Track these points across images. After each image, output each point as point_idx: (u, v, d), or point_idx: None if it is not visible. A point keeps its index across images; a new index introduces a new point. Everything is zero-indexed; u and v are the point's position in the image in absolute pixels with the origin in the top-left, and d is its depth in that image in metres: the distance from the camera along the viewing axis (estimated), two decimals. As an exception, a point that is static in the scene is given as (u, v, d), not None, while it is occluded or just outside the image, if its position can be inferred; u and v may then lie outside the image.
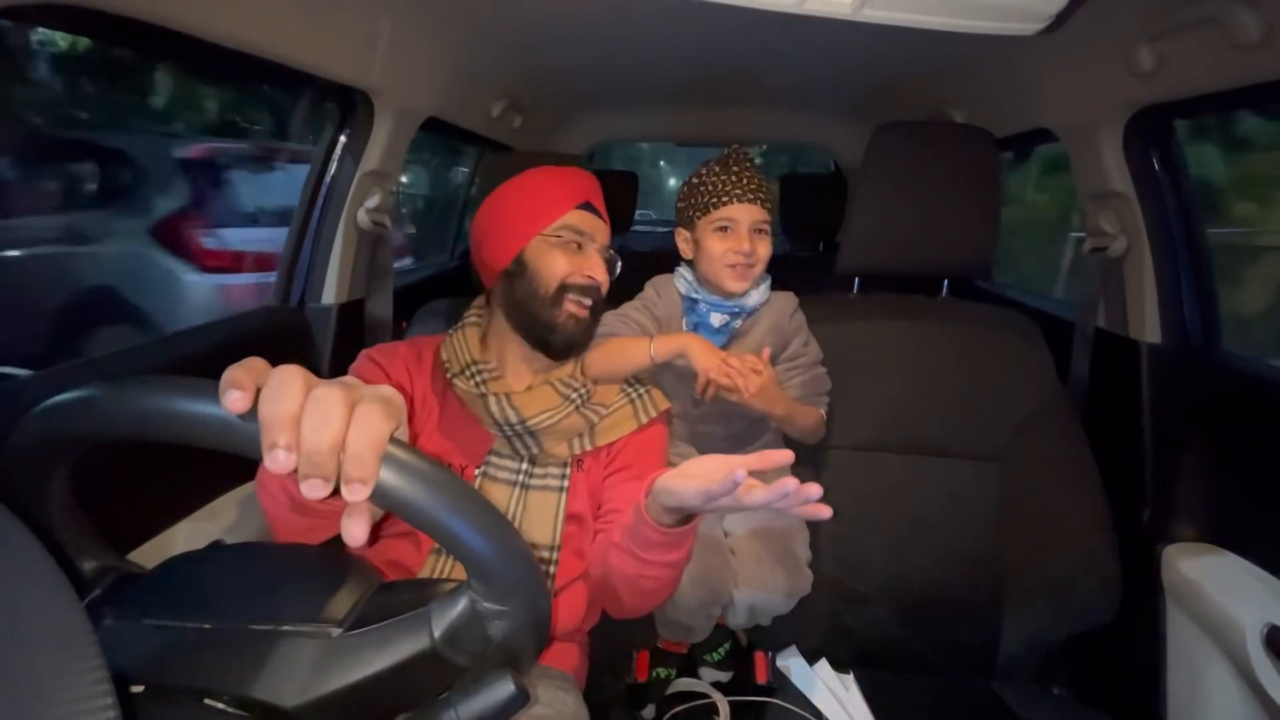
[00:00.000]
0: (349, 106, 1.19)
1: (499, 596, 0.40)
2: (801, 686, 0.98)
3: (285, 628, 0.40)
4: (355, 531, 0.38)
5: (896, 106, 1.70)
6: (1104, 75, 1.03)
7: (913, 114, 1.67)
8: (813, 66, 1.51)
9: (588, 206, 0.86)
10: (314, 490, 0.35)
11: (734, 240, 0.94)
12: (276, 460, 0.34)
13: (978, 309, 1.14)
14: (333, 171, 1.22)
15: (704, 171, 0.97)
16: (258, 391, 0.35)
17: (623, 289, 1.04)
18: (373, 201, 1.26)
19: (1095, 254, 1.16)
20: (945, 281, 1.18)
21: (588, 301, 0.84)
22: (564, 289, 0.82)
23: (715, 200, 0.95)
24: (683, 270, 1.02)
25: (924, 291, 1.18)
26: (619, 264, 0.88)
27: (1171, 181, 1.09)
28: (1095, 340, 1.18)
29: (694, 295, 0.98)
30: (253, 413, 0.34)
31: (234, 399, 0.34)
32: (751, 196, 0.94)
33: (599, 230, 0.87)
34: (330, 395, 0.35)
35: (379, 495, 0.35)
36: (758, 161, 1.00)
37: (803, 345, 1.01)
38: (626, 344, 0.88)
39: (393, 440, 0.36)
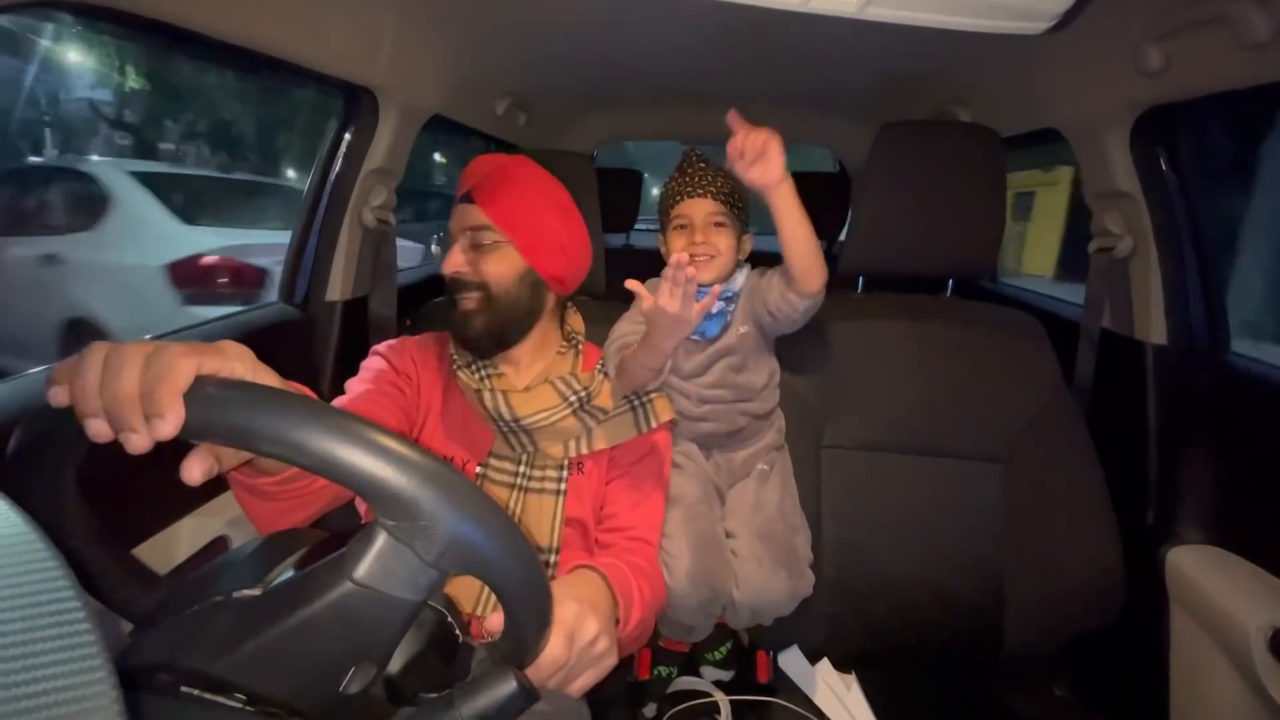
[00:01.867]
0: (354, 104, 1.20)
1: (400, 509, 0.35)
2: (803, 686, 0.98)
3: (215, 599, 0.41)
4: (191, 469, 0.41)
5: (901, 105, 1.70)
6: (1111, 75, 1.03)
7: (918, 113, 1.66)
8: (818, 65, 1.51)
9: (465, 197, 0.84)
10: (132, 445, 0.36)
11: (689, 235, 0.96)
12: (93, 430, 0.36)
13: (982, 309, 1.13)
14: (337, 169, 1.22)
15: (669, 179, 1.01)
16: None
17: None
18: (377, 199, 1.26)
19: (1101, 254, 1.16)
20: (950, 281, 1.17)
21: (458, 295, 0.83)
22: (447, 290, 0.85)
23: (671, 202, 0.98)
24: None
25: (928, 291, 1.18)
26: (490, 235, 0.82)
27: (1178, 182, 1.08)
28: (1100, 341, 1.18)
29: None
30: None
31: (55, 395, 0.37)
32: (701, 191, 0.95)
33: (461, 218, 0.84)
34: (119, 351, 0.38)
35: (199, 430, 0.36)
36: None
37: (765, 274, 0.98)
38: (627, 363, 0.85)
39: (208, 378, 0.37)
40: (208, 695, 0.36)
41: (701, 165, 0.98)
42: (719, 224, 0.96)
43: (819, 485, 1.03)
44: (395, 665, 0.42)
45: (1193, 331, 1.08)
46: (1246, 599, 0.85)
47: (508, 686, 0.40)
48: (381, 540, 0.37)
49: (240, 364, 0.42)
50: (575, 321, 0.96)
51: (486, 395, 0.81)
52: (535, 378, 0.87)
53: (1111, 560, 0.96)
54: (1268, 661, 0.80)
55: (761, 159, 0.77)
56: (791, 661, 1.02)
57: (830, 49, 1.34)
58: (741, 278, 1.00)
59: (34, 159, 4.34)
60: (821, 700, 0.96)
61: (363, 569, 0.37)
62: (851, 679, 0.99)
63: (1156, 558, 0.99)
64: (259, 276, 3.07)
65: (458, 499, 0.36)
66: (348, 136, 1.22)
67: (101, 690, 0.27)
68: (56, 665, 0.27)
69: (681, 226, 0.97)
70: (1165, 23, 0.88)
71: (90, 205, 3.01)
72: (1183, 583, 0.95)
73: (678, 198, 0.97)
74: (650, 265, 1.07)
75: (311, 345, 1.22)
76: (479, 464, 0.83)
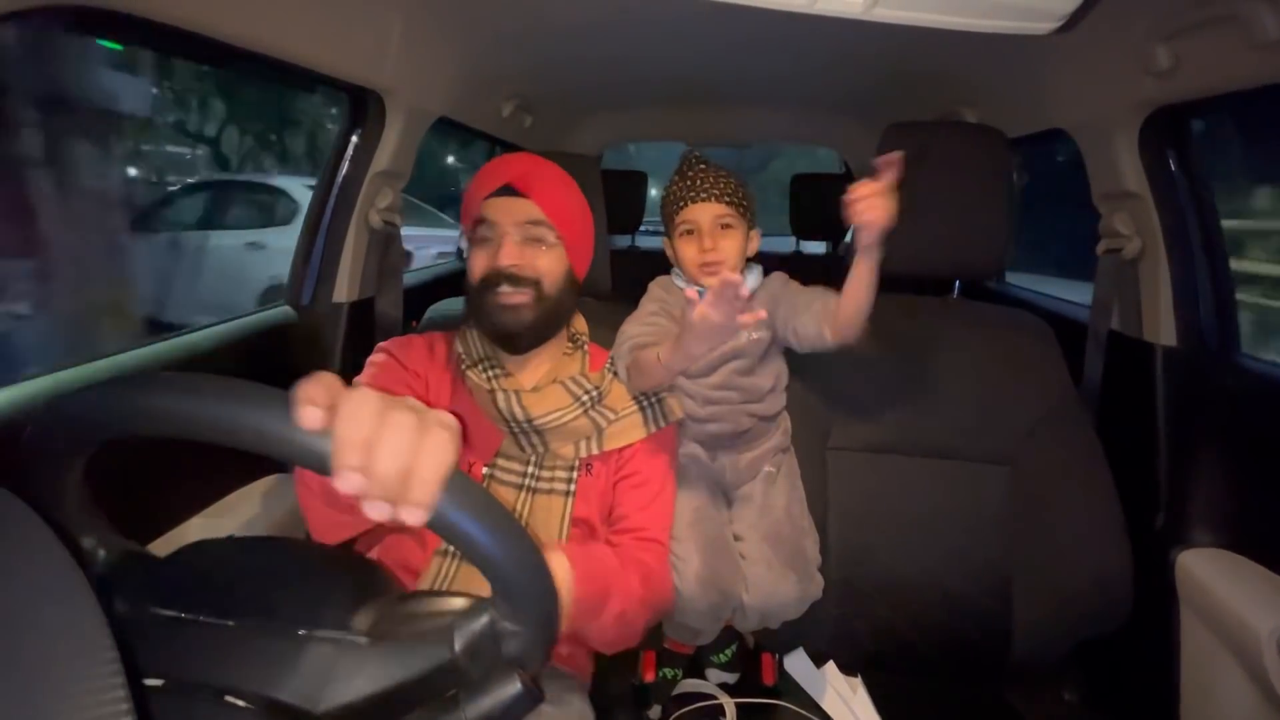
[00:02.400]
0: (361, 107, 1.20)
1: (520, 619, 0.42)
2: (809, 689, 0.98)
3: (313, 632, 0.41)
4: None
5: (907, 106, 1.69)
6: (1119, 75, 1.02)
7: (924, 113, 1.66)
8: (823, 66, 1.51)
9: (505, 190, 0.82)
10: (377, 512, 0.36)
11: (698, 241, 0.95)
12: (349, 482, 0.35)
13: (989, 310, 1.13)
14: (345, 171, 1.23)
15: (670, 182, 0.99)
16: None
17: (635, 283, 1.04)
18: (384, 201, 1.26)
19: (1109, 255, 1.15)
20: (956, 282, 1.17)
21: (508, 289, 0.81)
22: (484, 284, 0.82)
23: (676, 207, 0.96)
24: (677, 271, 1.03)
25: (934, 292, 1.18)
26: (550, 233, 0.83)
27: (1188, 182, 1.07)
28: (1109, 343, 1.17)
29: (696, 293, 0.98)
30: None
31: (310, 415, 0.35)
32: (705, 195, 0.94)
33: (513, 211, 0.82)
34: (404, 422, 0.36)
35: (434, 520, 0.37)
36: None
37: (804, 308, 0.94)
38: (645, 363, 0.85)
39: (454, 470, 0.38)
40: (244, 703, 0.37)
41: (702, 167, 0.97)
42: (726, 226, 0.95)
43: (825, 487, 1.03)
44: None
45: (1203, 333, 1.07)
46: (1258, 603, 0.84)
47: (513, 688, 0.40)
48: (485, 622, 0.41)
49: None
50: (578, 322, 0.96)
51: (500, 396, 0.81)
52: (543, 378, 0.87)
53: (1121, 563, 0.95)
54: (1279, 666, 0.79)
55: (875, 210, 0.74)
56: (797, 664, 1.01)
57: (836, 50, 1.34)
58: (752, 279, 0.99)
59: (234, 176, 6.65)
60: (827, 703, 0.95)
61: (461, 643, 0.41)
62: (857, 682, 0.98)
63: (1166, 561, 0.98)
64: (409, 257, 4.61)
65: (553, 619, 0.43)
66: (354, 139, 1.22)
67: (112, 697, 0.27)
68: (66, 660, 0.27)
69: (689, 232, 0.96)
70: (1174, 22, 0.88)
71: (283, 208, 4.55)
72: (1193, 586, 0.94)
73: (681, 203, 0.96)
74: (655, 267, 1.07)
75: (318, 347, 1.22)
76: (485, 465, 0.83)
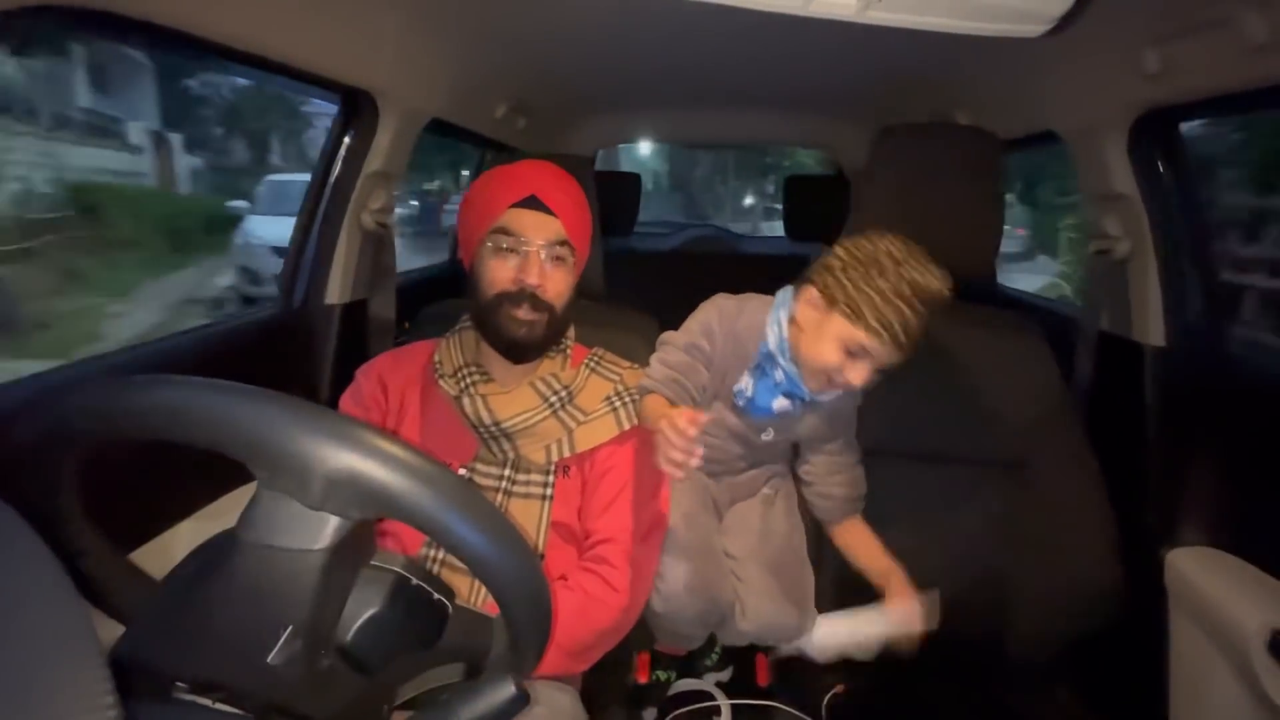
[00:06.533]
0: (354, 107, 1.20)
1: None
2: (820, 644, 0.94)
3: None
4: None
5: (900, 108, 1.70)
6: (1109, 77, 1.03)
7: (916, 115, 1.66)
8: (817, 68, 1.51)
9: (531, 202, 0.80)
10: None
11: (857, 371, 0.79)
12: None
13: (981, 311, 1.13)
14: (337, 172, 1.22)
15: (890, 272, 0.77)
16: None
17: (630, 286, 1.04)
18: (376, 202, 1.26)
19: (1099, 256, 1.16)
20: None
21: (527, 309, 0.80)
22: (500, 297, 0.81)
23: (881, 329, 0.76)
24: (783, 320, 0.86)
25: None
26: (570, 253, 0.83)
27: (1176, 184, 1.08)
28: (1099, 343, 1.18)
29: (779, 359, 0.85)
30: None
31: None
32: (908, 347, 0.78)
33: (541, 227, 0.80)
34: None
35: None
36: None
37: (847, 444, 0.97)
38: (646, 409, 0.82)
39: None
40: (200, 699, 0.36)
41: (921, 307, 0.77)
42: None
43: None
44: (348, 633, 0.41)
45: (1192, 333, 1.08)
46: (1246, 601, 0.85)
47: (506, 691, 0.40)
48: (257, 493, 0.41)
49: None
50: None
51: (466, 401, 0.81)
52: (520, 379, 0.87)
53: (1111, 562, 0.96)
54: (1267, 663, 0.80)
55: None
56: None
57: (829, 51, 1.35)
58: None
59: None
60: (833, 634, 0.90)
61: (249, 528, 0.40)
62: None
63: (1156, 560, 0.99)
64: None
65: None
66: (347, 140, 1.22)
67: (100, 704, 0.26)
68: (51, 664, 0.27)
69: (860, 356, 0.79)
70: (1164, 25, 0.89)
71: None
72: (1182, 585, 0.95)
73: (891, 336, 0.76)
74: (653, 270, 1.07)
75: (310, 348, 1.21)
76: (463, 466, 0.83)
